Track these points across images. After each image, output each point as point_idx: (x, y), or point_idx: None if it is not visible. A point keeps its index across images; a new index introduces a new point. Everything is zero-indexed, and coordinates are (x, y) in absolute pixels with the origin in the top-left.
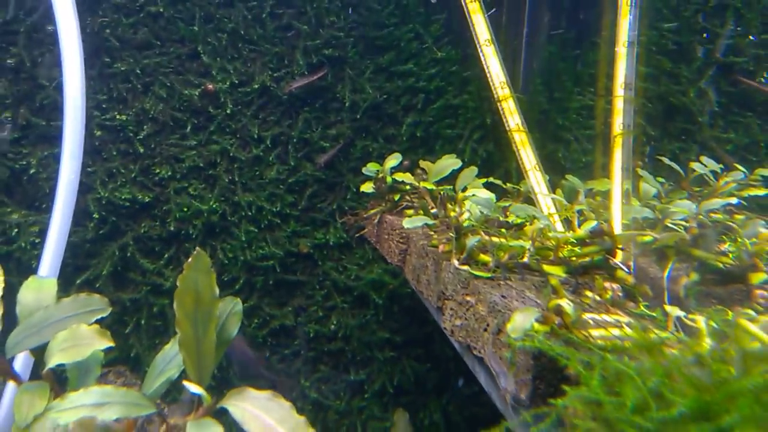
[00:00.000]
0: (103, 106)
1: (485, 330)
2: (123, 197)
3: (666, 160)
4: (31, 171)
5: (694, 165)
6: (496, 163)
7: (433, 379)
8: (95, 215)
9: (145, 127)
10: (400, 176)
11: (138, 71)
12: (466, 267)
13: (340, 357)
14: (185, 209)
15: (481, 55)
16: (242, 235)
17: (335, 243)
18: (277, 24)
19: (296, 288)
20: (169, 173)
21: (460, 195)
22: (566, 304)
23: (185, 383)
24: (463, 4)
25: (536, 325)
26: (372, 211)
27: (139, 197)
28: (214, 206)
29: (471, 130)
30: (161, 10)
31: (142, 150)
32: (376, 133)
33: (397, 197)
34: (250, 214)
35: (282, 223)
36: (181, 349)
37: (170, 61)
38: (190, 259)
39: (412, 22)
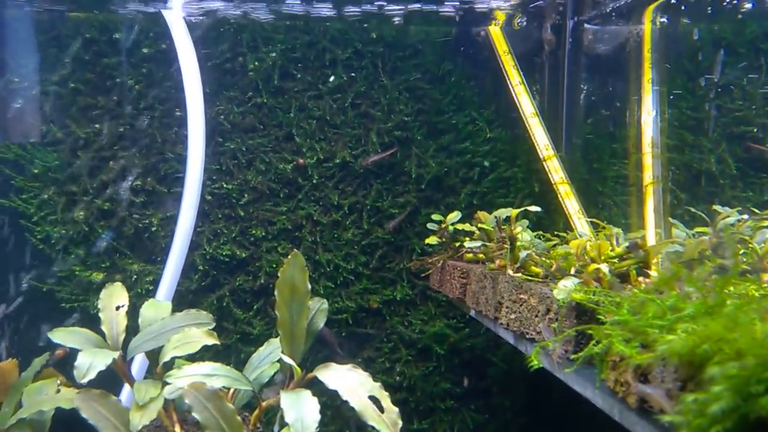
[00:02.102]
0: (214, 177)
1: (536, 316)
2: (224, 254)
3: (693, 209)
4: (153, 229)
5: (716, 207)
6: (545, 226)
7: (491, 429)
8: (200, 268)
9: (246, 195)
10: (460, 226)
11: (243, 149)
12: (519, 274)
13: (404, 407)
14: (274, 265)
15: (527, 125)
16: (321, 289)
17: (402, 299)
18: (356, 112)
19: (366, 340)
20: (263, 234)
21: (514, 212)
22: (604, 266)
23: (281, 355)
24: (510, 87)
25: (577, 292)
26: (436, 258)
27: (237, 254)
28: None
29: (521, 198)
30: (265, 101)
31: (242, 214)
32: (438, 202)
33: (457, 244)
34: (328, 270)
35: (355, 280)
36: (279, 329)
37: (270, 142)
38: (289, 257)
39: (467, 109)
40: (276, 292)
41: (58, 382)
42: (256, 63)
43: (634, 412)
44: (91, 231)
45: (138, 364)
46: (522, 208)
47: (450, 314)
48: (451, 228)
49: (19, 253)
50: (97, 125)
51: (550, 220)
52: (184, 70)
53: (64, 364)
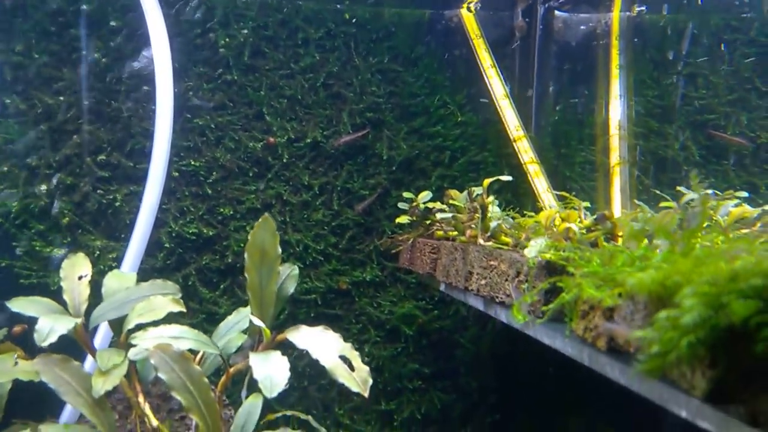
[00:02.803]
0: (182, 153)
1: (506, 280)
2: (190, 231)
3: (657, 192)
4: (116, 204)
5: (680, 188)
6: (514, 209)
7: (459, 409)
8: (166, 246)
9: (214, 173)
10: (431, 204)
11: (212, 126)
12: (490, 243)
13: (372, 387)
14: (242, 244)
15: (498, 106)
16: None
17: (371, 281)
18: (329, 92)
19: (334, 321)
20: (231, 212)
21: (487, 181)
22: (574, 226)
23: (250, 317)
24: (482, 70)
25: (547, 251)
26: (407, 236)
27: (204, 232)
28: None
29: (491, 182)
30: (235, 78)
31: (210, 192)
32: (409, 185)
33: (428, 222)
34: (297, 250)
35: (325, 261)
36: (248, 292)
37: (239, 120)
38: (259, 220)
39: (439, 93)
40: (246, 255)
41: (16, 356)
42: (227, 39)
43: (603, 354)
44: (52, 205)
45: (101, 336)
46: (494, 178)
47: (419, 296)
48: (422, 206)
49: None
50: (61, 98)
51: (519, 204)
52: (154, 43)
53: (22, 341)
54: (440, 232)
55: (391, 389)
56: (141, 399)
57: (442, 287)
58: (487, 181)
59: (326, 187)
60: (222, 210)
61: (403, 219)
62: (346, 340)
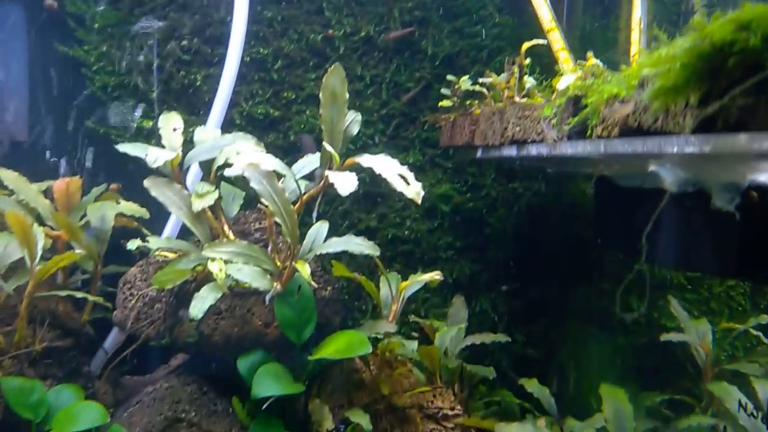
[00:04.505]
0: (252, 42)
1: (538, 123)
2: (259, 112)
3: None
4: (197, 84)
5: None
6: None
7: (485, 277)
8: (237, 122)
9: (279, 61)
10: (471, 87)
11: (279, 19)
12: (524, 99)
13: (410, 257)
14: (302, 125)
15: (532, 3)
16: (343, 148)
17: (413, 164)
18: None
19: (380, 198)
20: (293, 97)
21: (525, 44)
22: (599, 62)
23: (324, 144)
24: None
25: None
26: (448, 115)
27: (271, 113)
28: None
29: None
30: None
31: (276, 77)
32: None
33: (467, 103)
34: None
35: (373, 144)
36: (321, 124)
37: (302, 14)
38: (331, 68)
39: None
40: (320, 96)
41: (118, 202)
42: None
43: (616, 139)
44: (143, 82)
45: (191, 178)
46: (532, 42)
47: (455, 179)
48: (463, 88)
49: (81, 98)
50: None
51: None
52: None
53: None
54: (478, 111)
55: (427, 258)
56: (226, 228)
57: (479, 153)
58: (525, 45)
59: (376, 78)
60: (286, 94)
61: (445, 102)
62: (389, 215)
